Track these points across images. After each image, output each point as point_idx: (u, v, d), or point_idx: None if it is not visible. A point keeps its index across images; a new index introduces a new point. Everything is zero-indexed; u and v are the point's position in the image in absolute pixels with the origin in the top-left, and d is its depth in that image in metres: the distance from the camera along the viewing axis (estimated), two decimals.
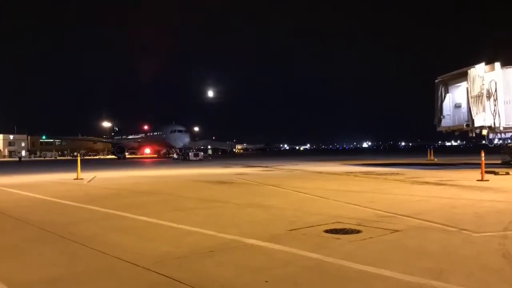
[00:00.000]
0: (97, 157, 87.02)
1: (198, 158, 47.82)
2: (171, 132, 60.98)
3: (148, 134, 69.95)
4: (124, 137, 77.30)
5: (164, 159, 60.63)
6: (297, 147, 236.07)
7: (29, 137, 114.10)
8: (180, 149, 55.94)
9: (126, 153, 65.59)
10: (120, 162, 50.11)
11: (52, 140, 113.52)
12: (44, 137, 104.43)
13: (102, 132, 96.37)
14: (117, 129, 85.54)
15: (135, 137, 73.85)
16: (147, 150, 72.08)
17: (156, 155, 71.36)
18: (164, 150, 67.29)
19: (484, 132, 20.40)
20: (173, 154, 59.37)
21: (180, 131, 61.25)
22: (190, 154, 48.56)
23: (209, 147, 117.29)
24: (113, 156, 67.21)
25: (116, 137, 79.55)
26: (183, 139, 60.39)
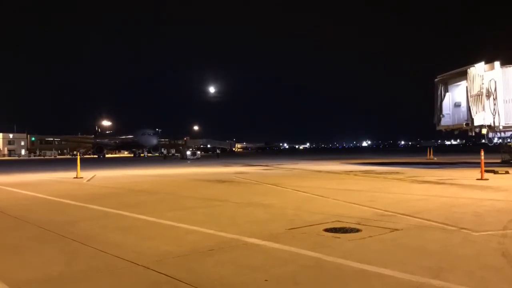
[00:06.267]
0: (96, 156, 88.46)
1: (195, 157, 50.74)
2: (142, 135, 71.23)
3: (124, 136, 79.72)
4: (105, 138, 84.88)
5: (138, 157, 68.91)
6: (297, 146, 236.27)
7: (28, 136, 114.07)
8: (179, 150, 64.35)
9: (105, 152, 75.81)
10: (118, 161, 51.51)
11: (51, 139, 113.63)
12: (33, 139, 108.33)
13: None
14: (99, 130, 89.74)
15: (114, 138, 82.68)
16: (124, 150, 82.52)
17: (132, 155, 79.87)
18: (139, 150, 75.91)
19: (484, 131, 20.42)
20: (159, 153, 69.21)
21: (149, 134, 71.39)
22: (187, 153, 51.60)
23: (208, 145, 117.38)
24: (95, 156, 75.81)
25: (97, 138, 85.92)
26: (152, 141, 70.96)
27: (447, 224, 6.45)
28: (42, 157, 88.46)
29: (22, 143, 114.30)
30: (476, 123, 20.10)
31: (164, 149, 69.07)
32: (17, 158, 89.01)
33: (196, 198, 10.85)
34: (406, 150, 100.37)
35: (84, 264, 4.69)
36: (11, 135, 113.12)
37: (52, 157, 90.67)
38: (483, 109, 19.77)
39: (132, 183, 16.02)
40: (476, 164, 21.40)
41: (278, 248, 5.18)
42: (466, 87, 20.85)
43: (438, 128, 23.67)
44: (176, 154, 63.88)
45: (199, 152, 54.08)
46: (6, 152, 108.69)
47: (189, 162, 41.08)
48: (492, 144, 21.50)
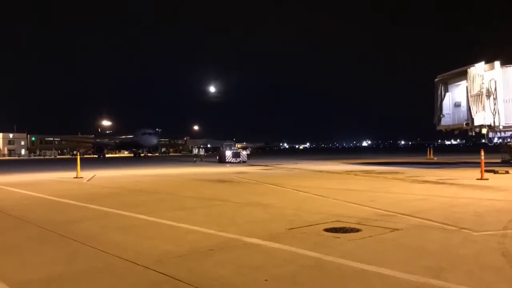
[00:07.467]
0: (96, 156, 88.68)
1: (239, 159, 34.66)
2: (142, 134, 70.27)
3: (123, 136, 79.32)
4: (105, 138, 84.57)
5: (138, 157, 69.52)
6: (297, 146, 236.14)
7: (28, 136, 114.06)
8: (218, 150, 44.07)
9: (105, 152, 75.50)
10: (118, 160, 51.81)
11: (51, 138, 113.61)
12: (33, 139, 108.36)
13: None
14: (99, 130, 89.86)
15: (114, 138, 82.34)
16: (124, 150, 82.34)
17: (132, 154, 79.48)
18: (139, 150, 75.76)
19: (484, 131, 20.43)
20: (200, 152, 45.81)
21: (149, 133, 70.48)
22: (227, 154, 34.63)
23: (208, 145, 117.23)
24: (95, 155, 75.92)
25: (97, 138, 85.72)
26: (152, 140, 70.28)
27: (447, 224, 6.45)
28: (42, 157, 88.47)
29: (22, 143, 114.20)
30: (476, 123, 20.10)
31: (195, 148, 55.32)
32: (17, 158, 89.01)
33: (196, 198, 10.85)
34: (406, 150, 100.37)
35: (84, 264, 4.69)
36: (11, 135, 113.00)
37: (52, 157, 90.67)
38: (483, 109, 19.76)
39: (132, 183, 16.02)
40: (476, 164, 21.41)
41: (278, 248, 5.18)
42: (466, 87, 20.84)
43: (438, 128, 23.67)
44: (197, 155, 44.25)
45: (245, 152, 35.76)
46: (6, 152, 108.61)
47: (228, 166, 29.71)
48: (492, 144, 21.49)
